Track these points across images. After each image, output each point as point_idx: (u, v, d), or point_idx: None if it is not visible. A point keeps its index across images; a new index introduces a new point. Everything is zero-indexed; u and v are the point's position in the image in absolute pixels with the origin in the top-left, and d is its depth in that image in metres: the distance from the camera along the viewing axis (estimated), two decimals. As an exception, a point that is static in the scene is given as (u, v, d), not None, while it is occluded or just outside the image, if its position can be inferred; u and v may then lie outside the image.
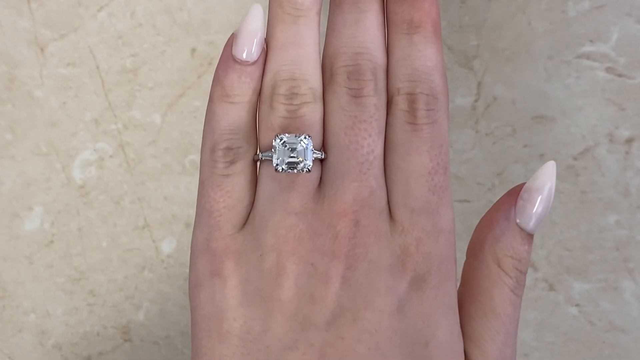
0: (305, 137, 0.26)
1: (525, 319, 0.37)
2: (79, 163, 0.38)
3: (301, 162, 0.26)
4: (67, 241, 0.38)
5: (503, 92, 0.37)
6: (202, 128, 0.28)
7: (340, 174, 0.26)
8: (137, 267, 0.38)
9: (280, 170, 0.26)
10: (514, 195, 0.27)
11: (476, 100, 0.37)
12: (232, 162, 0.27)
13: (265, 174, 0.27)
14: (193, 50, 0.38)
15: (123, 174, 0.38)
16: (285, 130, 0.27)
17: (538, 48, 0.36)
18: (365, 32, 0.28)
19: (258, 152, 0.27)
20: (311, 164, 0.26)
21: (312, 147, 0.26)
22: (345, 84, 0.27)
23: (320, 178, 0.27)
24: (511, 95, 0.36)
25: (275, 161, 0.26)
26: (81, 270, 0.37)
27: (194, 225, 0.28)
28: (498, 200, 0.27)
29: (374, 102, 0.27)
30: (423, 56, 0.27)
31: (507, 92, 0.37)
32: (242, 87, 0.27)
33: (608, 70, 0.36)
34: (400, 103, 0.27)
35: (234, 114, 0.27)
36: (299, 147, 0.26)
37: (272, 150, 0.26)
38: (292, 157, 0.26)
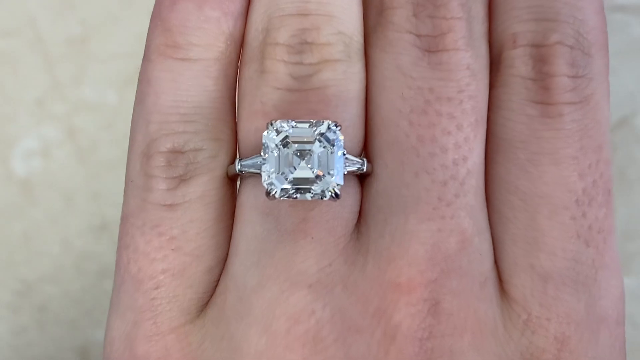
0: (330, 127, 0.15)
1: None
2: (21, 153, 0.35)
3: (320, 181, 0.15)
4: (10, 247, 0.35)
5: None
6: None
7: (399, 204, 0.16)
8: (95, 276, 0.36)
9: (278, 197, 0.15)
10: None
11: None
12: (182, 179, 0.16)
13: (248, 202, 0.16)
14: (154, 13, 0.34)
15: (74, 164, 0.35)
16: (287, 114, 0.16)
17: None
18: None
19: (237, 161, 0.16)
20: (341, 182, 0.15)
21: (343, 148, 0.16)
22: (408, 25, 0.16)
23: (360, 212, 0.17)
24: None
25: (266, 177, 0.16)
26: (28, 281, 0.35)
27: (111, 302, 0.17)
28: None
29: (468, 61, 0.16)
30: None
31: None
32: (204, 31, 0.16)
33: (647, 25, 0.33)
34: (518, 64, 0.16)
35: (188, 84, 0.17)
36: (317, 149, 0.15)
37: (262, 153, 0.16)
38: (301, 168, 0.15)
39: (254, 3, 0.17)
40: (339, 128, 0.15)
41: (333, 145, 0.15)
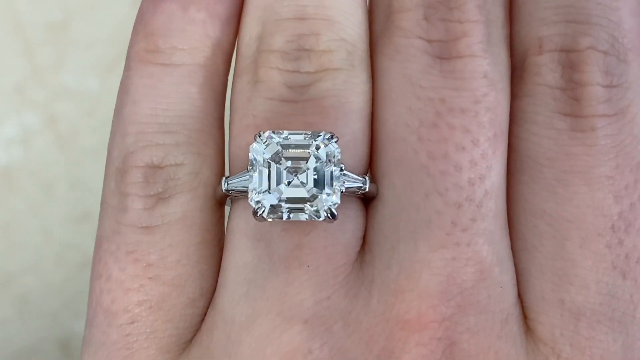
0: (326, 139, 0.14)
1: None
2: (1, 141, 0.34)
3: (315, 200, 0.14)
4: None
5: None
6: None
7: (408, 229, 0.14)
8: (77, 267, 0.35)
9: (266, 218, 0.14)
10: None
11: None
12: (160, 198, 0.15)
13: (238, 227, 0.15)
14: (135, -2, 0.34)
15: (55, 152, 0.35)
16: (280, 127, 0.15)
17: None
18: None
19: (223, 179, 0.15)
20: (338, 201, 0.14)
21: (341, 164, 0.14)
22: (418, 29, 0.15)
23: (364, 239, 0.15)
24: None
25: (254, 195, 0.14)
26: (9, 272, 0.34)
27: (83, 339, 0.15)
28: None
29: (485, 69, 0.15)
30: None
31: None
32: (188, 33, 0.15)
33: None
34: (545, 72, 0.15)
35: (169, 90, 0.15)
36: (312, 165, 0.14)
37: (249, 169, 0.14)
38: (294, 186, 0.14)
39: (246, 8, 0.16)
40: (335, 140, 0.14)
41: (330, 161, 0.14)
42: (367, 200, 0.15)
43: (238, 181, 0.15)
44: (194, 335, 0.15)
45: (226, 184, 0.15)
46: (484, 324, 0.14)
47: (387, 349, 0.14)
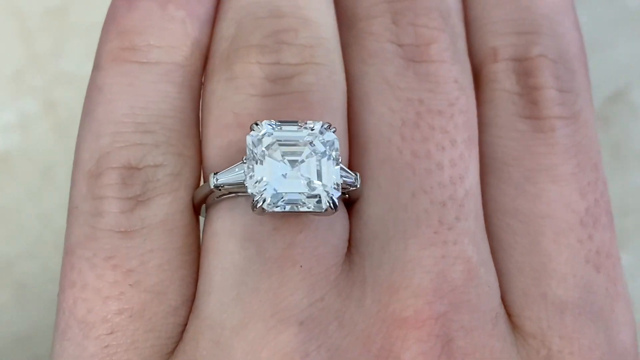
0: (324, 128, 0.13)
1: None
2: (-1, 126, 0.34)
3: (314, 191, 0.13)
4: None
5: None
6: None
7: (397, 229, 0.14)
8: None
9: (267, 210, 0.13)
10: None
11: None
12: (139, 201, 0.14)
13: (222, 229, 0.14)
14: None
15: (53, 138, 0.34)
16: (266, 116, 0.14)
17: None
18: None
19: (211, 176, 0.14)
20: (339, 192, 0.13)
21: (339, 155, 0.13)
22: (388, 34, 0.15)
23: (349, 241, 0.15)
24: None
25: (252, 187, 0.13)
26: (7, 257, 0.34)
27: (51, 354, 0.14)
28: None
29: (455, 75, 0.15)
30: None
31: None
32: (167, 31, 0.15)
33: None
34: (502, 78, 0.15)
35: (147, 88, 0.15)
36: (308, 154, 0.13)
37: (245, 161, 0.14)
38: (292, 177, 0.13)
39: (221, 8, 0.15)
40: (333, 130, 0.13)
41: (326, 151, 0.13)
42: (348, 204, 0.15)
43: (230, 175, 0.14)
44: (176, 346, 0.14)
45: (215, 179, 0.14)
46: (476, 323, 0.14)
47: (386, 348, 0.13)
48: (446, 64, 0.15)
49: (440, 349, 0.13)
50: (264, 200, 0.13)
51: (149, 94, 0.15)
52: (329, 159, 0.14)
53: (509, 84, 0.15)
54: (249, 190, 0.14)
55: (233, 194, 0.14)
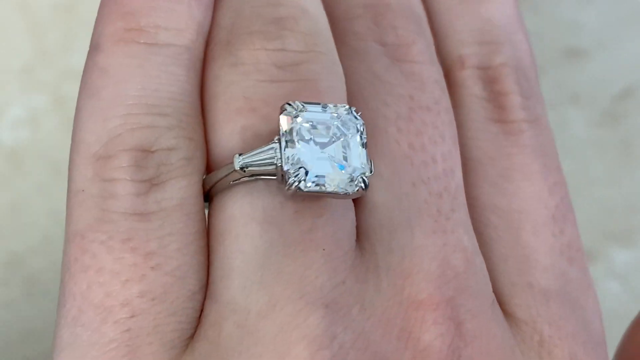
0: (350, 111, 0.14)
1: (557, 296, 0.34)
2: (7, 122, 0.34)
3: (345, 171, 0.14)
4: None
5: (526, 21, 0.32)
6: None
7: (402, 217, 0.14)
8: None
9: (304, 189, 0.13)
10: None
11: None
12: (153, 184, 0.14)
13: (240, 213, 0.14)
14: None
15: (62, 134, 0.34)
16: (278, 109, 0.14)
17: (568, -34, 0.34)
18: None
19: (236, 157, 0.14)
20: (372, 170, 0.14)
21: (364, 134, 0.14)
22: (371, 33, 0.16)
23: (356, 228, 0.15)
24: (536, 26, 0.33)
25: (289, 166, 0.13)
26: (17, 253, 0.34)
27: (57, 343, 0.14)
28: None
29: (435, 77, 0.16)
30: None
31: (530, 21, 0.32)
32: (174, 13, 0.15)
33: (654, -9, 0.34)
34: (471, 84, 0.16)
35: (158, 70, 0.15)
36: (336, 135, 0.14)
37: (279, 140, 0.14)
38: (323, 158, 0.13)
39: None
40: (359, 114, 0.14)
41: (356, 130, 0.14)
42: None
43: (259, 156, 0.14)
44: (195, 332, 0.14)
45: (241, 160, 0.14)
46: (479, 308, 0.14)
47: (406, 329, 0.14)
48: (426, 65, 0.16)
49: (454, 330, 0.14)
50: (300, 181, 0.13)
51: (160, 77, 0.15)
52: (355, 141, 0.14)
53: (477, 89, 0.16)
54: (286, 168, 0.14)
55: (252, 178, 0.14)
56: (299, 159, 0.14)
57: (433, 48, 0.16)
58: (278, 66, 0.15)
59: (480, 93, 0.16)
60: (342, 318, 0.13)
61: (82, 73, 0.32)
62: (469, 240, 0.15)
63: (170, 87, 0.15)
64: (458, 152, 0.16)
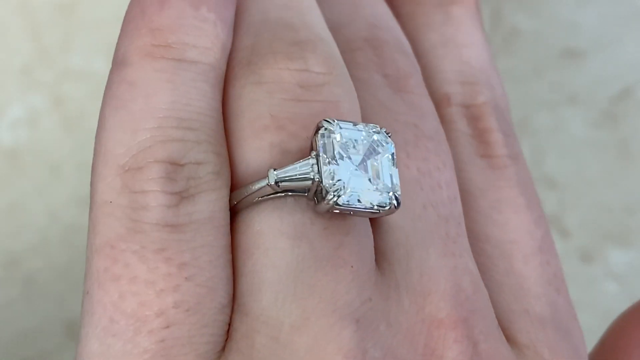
0: (378, 130, 0.14)
1: (555, 296, 0.34)
2: (6, 122, 0.35)
3: (377, 189, 0.14)
4: None
5: (524, 22, 0.35)
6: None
7: (416, 238, 0.15)
8: (83, 249, 0.35)
9: (342, 204, 0.14)
10: None
11: (491, 33, 0.34)
12: (184, 197, 0.14)
13: (270, 228, 0.14)
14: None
15: (61, 134, 0.35)
16: (306, 127, 0.15)
17: (566, -34, 0.34)
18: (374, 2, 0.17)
19: (270, 171, 0.14)
20: (400, 190, 0.14)
21: (394, 154, 0.14)
22: (372, 64, 0.16)
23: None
24: (534, 26, 0.34)
25: (329, 180, 0.14)
26: (14, 253, 0.34)
27: (83, 356, 0.14)
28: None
29: (432, 109, 0.16)
30: (473, 42, 0.18)
31: (528, 22, 0.35)
32: (201, 31, 0.15)
33: (652, -8, 0.34)
34: (457, 120, 0.17)
35: (188, 85, 0.15)
36: (371, 153, 0.14)
37: (316, 155, 0.14)
38: (358, 175, 0.14)
39: (240, 18, 0.16)
40: (389, 135, 0.14)
41: (387, 148, 0.14)
42: None
43: (295, 171, 0.14)
44: (226, 344, 0.14)
45: (275, 176, 0.14)
46: (489, 329, 0.15)
47: (430, 347, 0.14)
48: (424, 97, 0.16)
49: (472, 350, 0.14)
50: (338, 196, 0.14)
51: (190, 91, 0.15)
52: (387, 159, 0.14)
53: (462, 125, 0.17)
54: (326, 183, 0.14)
55: (281, 194, 0.14)
56: (335, 174, 0.14)
57: (424, 84, 0.17)
58: (301, 86, 0.15)
59: (466, 129, 0.17)
60: (372, 334, 0.14)
61: (81, 74, 0.32)
62: (473, 265, 0.15)
63: (199, 102, 0.15)
64: (456, 182, 0.16)
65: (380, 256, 0.15)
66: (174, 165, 0.14)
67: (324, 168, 0.14)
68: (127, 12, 0.16)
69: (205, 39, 0.15)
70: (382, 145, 0.14)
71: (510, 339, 0.15)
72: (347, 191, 0.14)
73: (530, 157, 0.33)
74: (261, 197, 0.14)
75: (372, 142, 0.14)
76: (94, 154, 0.15)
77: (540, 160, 0.33)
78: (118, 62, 0.15)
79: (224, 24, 0.15)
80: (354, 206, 0.14)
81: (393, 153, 0.14)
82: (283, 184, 0.14)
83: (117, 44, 0.16)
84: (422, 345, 0.14)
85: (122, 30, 0.16)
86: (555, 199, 0.33)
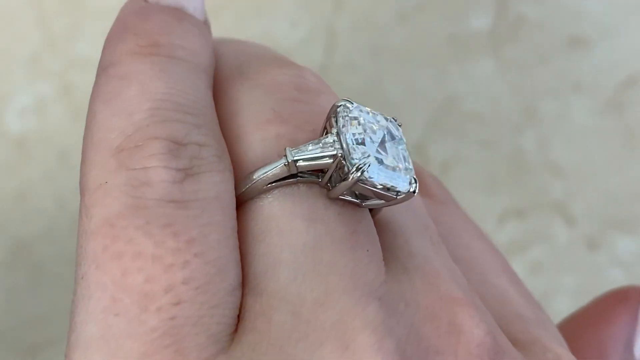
0: (388, 118, 0.14)
1: (560, 283, 0.34)
2: (15, 109, 0.35)
3: (402, 172, 0.14)
4: (4, 205, 0.35)
5: (529, 10, 0.35)
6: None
7: (409, 229, 0.15)
8: None
9: (367, 177, 0.13)
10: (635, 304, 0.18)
11: (497, 22, 0.35)
12: (188, 174, 0.13)
13: (283, 211, 0.14)
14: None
15: (69, 122, 0.35)
16: (307, 123, 0.14)
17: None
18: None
19: (288, 150, 0.14)
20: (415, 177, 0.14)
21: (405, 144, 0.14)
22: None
23: None
24: (539, 14, 0.34)
25: (356, 153, 0.13)
26: (23, 240, 0.35)
27: (84, 335, 0.13)
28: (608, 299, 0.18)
29: None
30: None
31: (534, 10, 0.35)
32: (190, 34, 0.15)
33: (657, -20, 0.34)
34: None
35: (180, 77, 0.14)
36: (388, 137, 0.14)
37: (334, 132, 0.13)
38: (385, 157, 0.14)
39: (219, 50, 0.16)
40: (399, 124, 0.14)
41: (400, 137, 0.14)
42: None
43: (314, 150, 0.13)
44: (239, 324, 0.13)
45: (292, 155, 0.13)
46: (493, 323, 0.15)
47: (454, 323, 0.14)
48: None
49: (492, 337, 0.14)
50: (363, 171, 0.13)
51: (184, 82, 0.14)
52: (402, 145, 0.14)
53: None
54: (354, 156, 0.13)
55: (291, 180, 0.14)
56: (360, 150, 0.13)
57: None
58: (299, 89, 0.15)
59: None
60: (393, 312, 0.13)
61: (89, 62, 0.32)
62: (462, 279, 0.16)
63: (195, 93, 0.14)
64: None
65: (381, 246, 0.15)
66: (176, 144, 0.13)
67: (349, 142, 0.13)
68: (109, 32, 0.15)
69: (193, 42, 0.15)
70: (397, 132, 0.14)
71: (512, 340, 0.15)
72: (373, 167, 0.13)
73: (536, 145, 0.33)
74: (270, 183, 0.14)
75: (387, 127, 0.14)
76: (83, 148, 0.14)
77: (546, 148, 0.33)
78: (104, 66, 0.15)
79: (209, 35, 0.15)
80: (380, 181, 0.13)
81: (404, 141, 0.14)
82: (301, 163, 0.13)
83: (101, 56, 0.15)
84: (445, 322, 0.13)
85: (104, 45, 0.15)
86: (560, 187, 0.33)
